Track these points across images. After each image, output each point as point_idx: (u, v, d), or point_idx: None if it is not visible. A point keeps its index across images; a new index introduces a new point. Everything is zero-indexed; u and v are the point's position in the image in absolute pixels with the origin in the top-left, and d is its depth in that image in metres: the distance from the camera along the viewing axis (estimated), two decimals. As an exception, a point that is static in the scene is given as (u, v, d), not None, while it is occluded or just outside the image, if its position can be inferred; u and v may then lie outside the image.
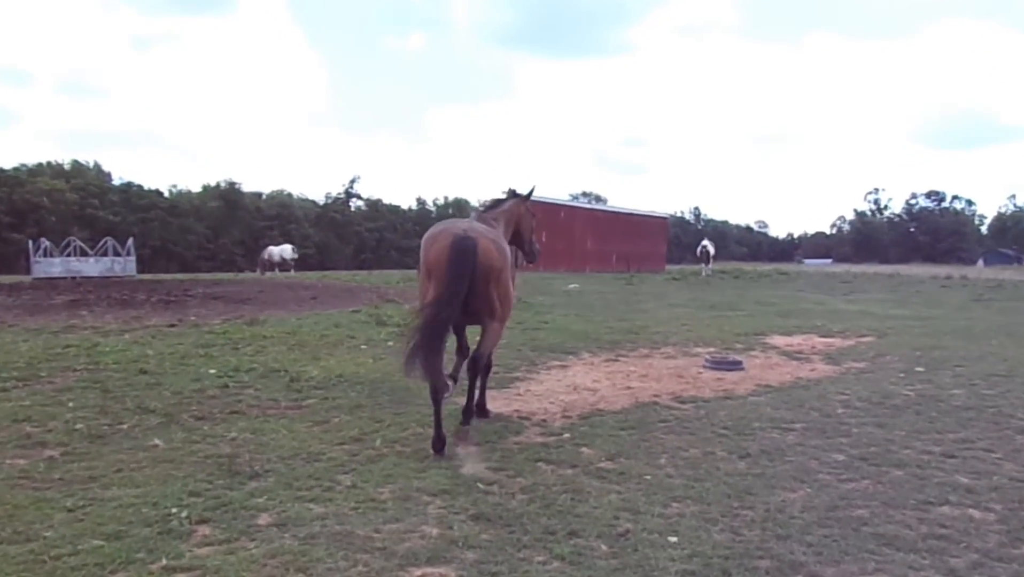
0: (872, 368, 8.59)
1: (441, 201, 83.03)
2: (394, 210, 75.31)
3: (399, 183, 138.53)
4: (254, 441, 5.39)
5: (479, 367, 5.78)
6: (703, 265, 33.88)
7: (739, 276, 32.50)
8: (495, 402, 6.65)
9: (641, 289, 23.10)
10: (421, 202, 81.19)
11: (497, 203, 6.49)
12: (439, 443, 5.19)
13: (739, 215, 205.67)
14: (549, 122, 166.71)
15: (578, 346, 10.16)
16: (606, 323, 12.96)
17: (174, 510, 4.12)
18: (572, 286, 23.29)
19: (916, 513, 4.18)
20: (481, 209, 6.51)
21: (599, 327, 12.30)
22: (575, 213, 39.77)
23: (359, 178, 79.74)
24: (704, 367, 8.61)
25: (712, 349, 10.10)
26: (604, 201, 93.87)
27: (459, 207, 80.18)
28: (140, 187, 60.20)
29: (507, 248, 5.78)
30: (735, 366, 8.57)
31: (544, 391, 7.26)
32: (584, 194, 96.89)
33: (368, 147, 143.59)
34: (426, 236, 5.70)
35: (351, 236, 67.26)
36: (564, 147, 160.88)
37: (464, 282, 5.26)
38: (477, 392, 6.03)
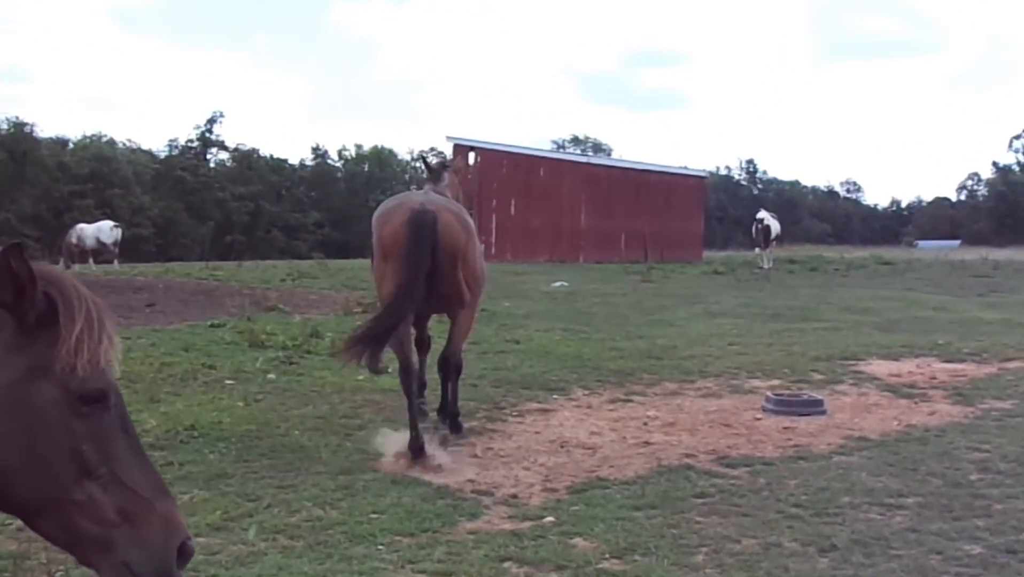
0: (1023, 411, 8.80)
1: (351, 152, 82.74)
2: (278, 166, 74.79)
3: (286, 125, 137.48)
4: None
5: (451, 365, 7.44)
6: (760, 251, 34.32)
7: (817, 267, 33.08)
8: (439, 466, 6.70)
9: (666, 289, 23.32)
10: (320, 153, 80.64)
11: (437, 173, 8.34)
12: (416, 445, 6.63)
13: (816, 172, 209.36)
14: (515, 24, 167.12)
15: (567, 379, 10.23)
16: (611, 342, 13.06)
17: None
18: (558, 284, 23.40)
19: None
20: (433, 182, 8.19)
21: (600, 349, 12.39)
22: (562, 170, 39.98)
23: (222, 117, 78.16)
24: (764, 410, 8.73)
25: (776, 382, 10.23)
26: (607, 152, 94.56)
27: (381, 161, 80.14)
28: None
29: (471, 221, 7.45)
30: (812, 408, 8.71)
31: (515, 449, 7.33)
32: (576, 141, 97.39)
33: (236, 66, 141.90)
34: (377, 213, 7.37)
35: (209, 207, 66.53)
36: (543, 66, 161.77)
37: (424, 263, 6.81)
38: (450, 395, 7.67)
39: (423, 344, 8.30)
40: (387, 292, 7.00)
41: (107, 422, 2.29)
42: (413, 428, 6.74)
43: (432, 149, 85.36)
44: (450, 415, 7.72)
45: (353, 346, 6.73)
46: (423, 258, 6.84)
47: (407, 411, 6.91)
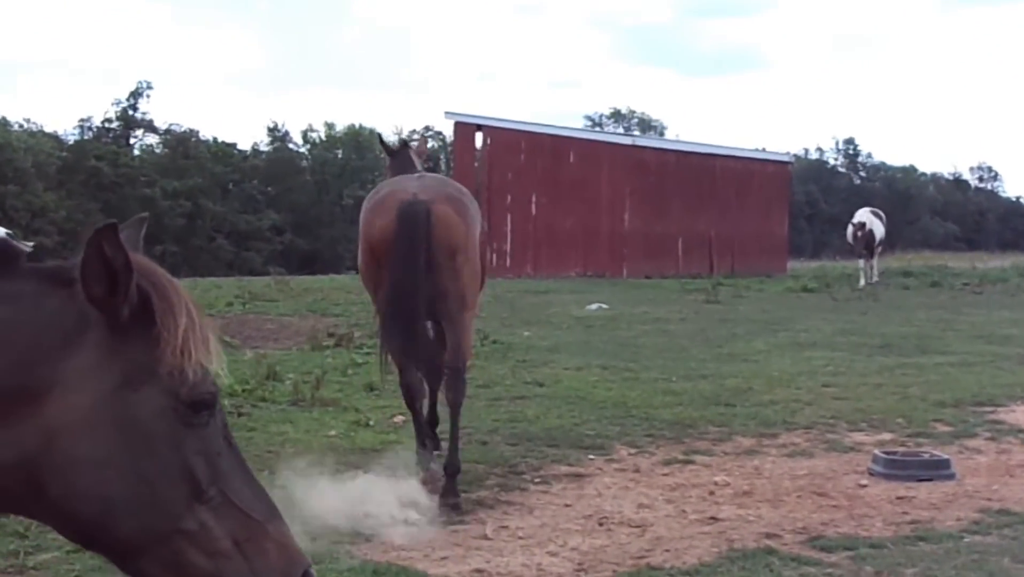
0: None
1: (320, 133, 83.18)
2: (223, 153, 75.10)
3: (234, 98, 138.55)
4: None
5: (461, 380, 8.19)
6: (863, 262, 34.17)
7: (940, 281, 32.93)
8: (436, 549, 6.77)
9: (737, 311, 23.30)
10: (279, 135, 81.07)
11: (402, 157, 9.58)
12: (427, 461, 8.16)
13: (939, 155, 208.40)
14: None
15: (607, 433, 10.23)
16: (665, 384, 13.06)
17: None
18: (594, 306, 23.41)
19: None
20: (400, 167, 9.24)
21: (651, 392, 12.39)
22: (599, 155, 39.86)
23: (149, 89, 78.52)
24: (871, 474, 8.70)
25: (886, 437, 10.18)
26: (659, 130, 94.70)
27: (359, 144, 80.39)
28: None
29: (473, 206, 8.44)
30: (935, 471, 8.67)
31: (538, 528, 7.33)
32: (617, 117, 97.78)
33: (167, 21, 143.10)
34: (366, 205, 8.33)
35: (133, 207, 66.65)
36: (571, 16, 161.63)
37: (420, 263, 7.68)
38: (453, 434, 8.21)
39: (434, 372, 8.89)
40: (383, 297, 8.00)
41: (213, 432, 2.42)
42: (420, 435, 8.43)
43: (427, 129, 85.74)
44: (454, 470, 7.94)
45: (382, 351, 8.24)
46: (417, 257, 7.71)
47: (414, 427, 8.57)
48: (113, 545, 2.36)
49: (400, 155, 9.61)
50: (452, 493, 7.75)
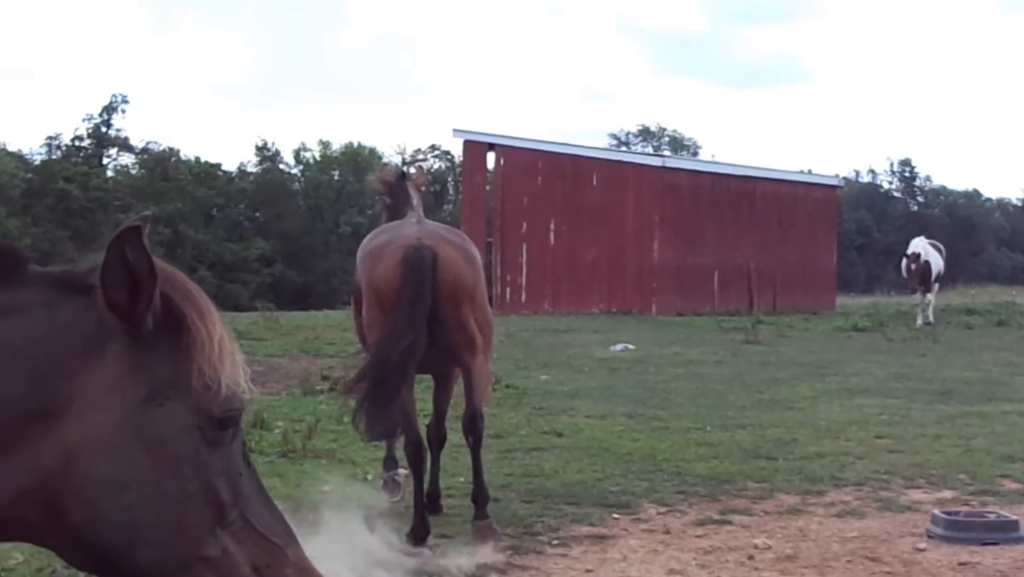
0: None
1: (315, 152, 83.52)
2: (206, 174, 75.52)
3: (218, 113, 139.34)
4: None
5: (480, 427, 8.80)
6: (919, 297, 34.10)
7: (1007, 320, 32.84)
8: None
9: (780, 352, 23.30)
10: (268, 155, 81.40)
11: (400, 194, 9.97)
12: (422, 532, 8.29)
13: (1006, 178, 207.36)
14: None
15: (633, 490, 10.24)
16: (699, 434, 13.09)
17: None
18: (620, 347, 23.50)
19: None
20: (415, 206, 9.66)
21: (683, 444, 12.40)
22: (625, 177, 39.93)
23: (125, 103, 79.10)
24: (930, 536, 8.67)
25: (947, 495, 10.16)
26: (692, 149, 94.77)
27: (358, 165, 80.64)
28: None
29: (476, 253, 9.05)
30: (1003, 533, 8.63)
31: (555, 598, 7.29)
32: (645, 135, 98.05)
33: (146, 27, 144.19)
34: (364, 250, 8.94)
35: (106, 233, 66.89)
36: (595, 21, 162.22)
37: (425, 310, 8.18)
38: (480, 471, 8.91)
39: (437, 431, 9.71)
40: (378, 341, 8.42)
41: (236, 452, 2.48)
42: (418, 514, 8.35)
43: (432, 148, 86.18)
44: (484, 500, 8.71)
45: (354, 415, 8.38)
46: (423, 305, 8.21)
47: (413, 494, 8.51)
48: (130, 574, 2.39)
49: (397, 189, 10.02)
50: (483, 517, 8.53)
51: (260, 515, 2.46)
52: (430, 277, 8.25)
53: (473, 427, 8.74)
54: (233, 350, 2.50)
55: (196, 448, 2.38)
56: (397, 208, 9.79)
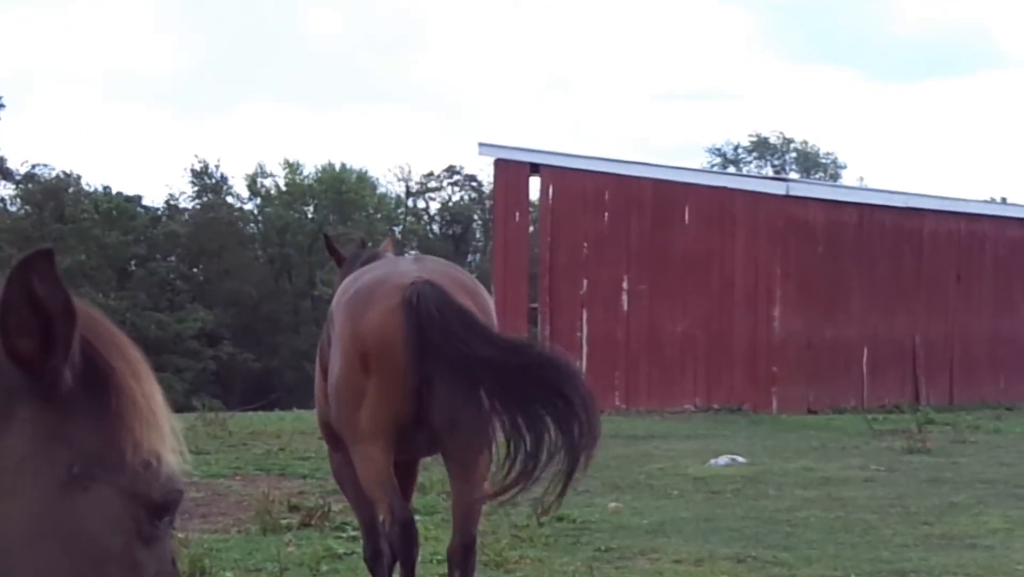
0: None
1: (279, 178, 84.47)
2: (121, 211, 76.44)
3: (138, 122, 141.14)
4: None
5: (472, 563, 8.85)
6: None
7: None
8: None
9: (958, 468, 23.24)
10: (210, 182, 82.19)
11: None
12: None
13: None
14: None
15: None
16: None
17: None
18: (723, 460, 23.60)
19: None
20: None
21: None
22: (732, 210, 40.01)
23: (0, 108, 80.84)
24: None
25: None
26: (831, 171, 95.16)
27: (343, 198, 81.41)
28: None
29: (492, 306, 9.24)
30: None
31: None
32: (762, 148, 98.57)
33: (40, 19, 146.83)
34: (345, 295, 9.05)
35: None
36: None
37: (430, 368, 8.32)
38: None
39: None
40: (369, 422, 8.47)
41: (167, 548, 2.57)
42: None
43: (450, 172, 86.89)
44: None
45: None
46: (430, 363, 8.29)
47: None
48: None
49: (354, 259, 10.28)
50: None
51: None
52: (440, 324, 8.17)
53: (464, 561, 8.69)
54: (169, 415, 2.56)
55: (128, 545, 2.42)
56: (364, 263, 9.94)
